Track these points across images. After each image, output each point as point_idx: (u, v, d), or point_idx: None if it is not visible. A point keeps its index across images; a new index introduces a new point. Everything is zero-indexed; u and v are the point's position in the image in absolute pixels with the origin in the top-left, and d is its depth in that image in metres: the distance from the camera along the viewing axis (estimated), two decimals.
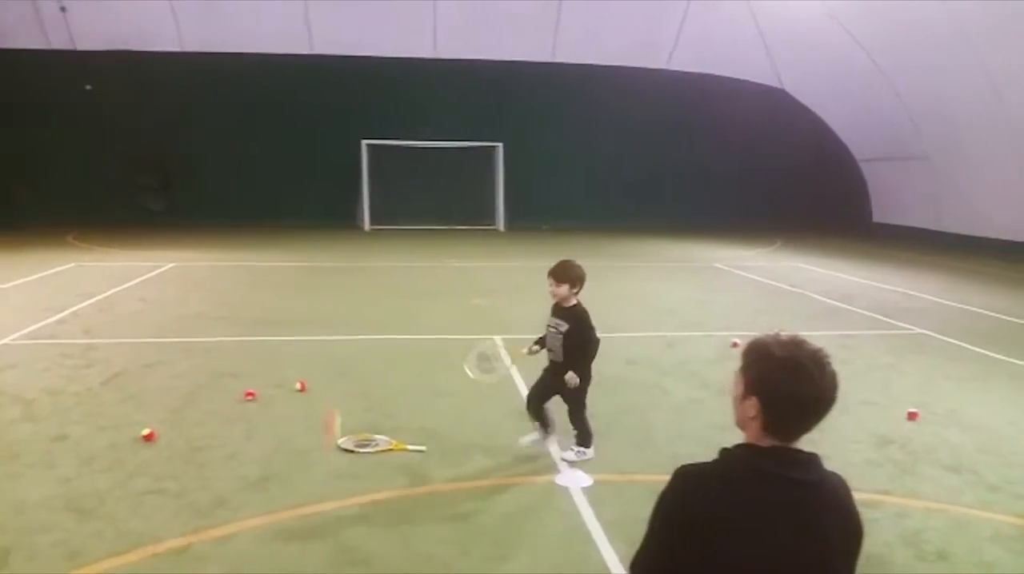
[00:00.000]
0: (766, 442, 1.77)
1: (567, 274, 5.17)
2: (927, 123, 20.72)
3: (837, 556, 1.74)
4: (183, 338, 8.87)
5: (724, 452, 1.80)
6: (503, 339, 9.00)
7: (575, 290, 5.19)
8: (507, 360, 5.83)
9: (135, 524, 4.34)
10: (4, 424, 5.93)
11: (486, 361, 5.93)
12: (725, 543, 1.69)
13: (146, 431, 5.62)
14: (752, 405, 1.76)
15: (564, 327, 5.17)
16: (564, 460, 5.31)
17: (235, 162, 23.29)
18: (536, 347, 5.40)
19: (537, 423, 5.49)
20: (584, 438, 5.40)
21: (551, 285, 5.21)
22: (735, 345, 8.86)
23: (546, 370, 5.40)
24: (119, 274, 13.41)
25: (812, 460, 1.77)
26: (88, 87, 22.54)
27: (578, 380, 5.18)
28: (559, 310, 5.26)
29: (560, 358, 5.23)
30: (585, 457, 5.34)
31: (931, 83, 19.60)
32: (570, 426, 5.45)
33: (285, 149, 23.43)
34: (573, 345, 5.17)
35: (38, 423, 5.98)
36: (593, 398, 6.84)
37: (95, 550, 4.04)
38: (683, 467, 1.81)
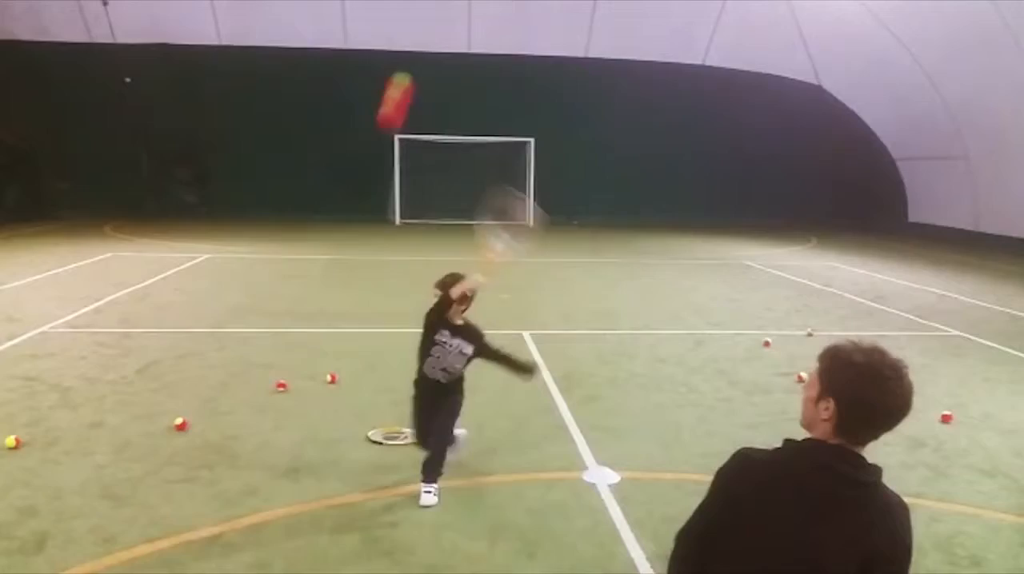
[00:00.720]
0: (833, 441, 1.81)
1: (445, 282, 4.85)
2: (967, 122, 20.34)
3: (879, 562, 1.75)
4: (216, 329, 9.00)
5: (788, 442, 1.86)
6: (531, 334, 9.04)
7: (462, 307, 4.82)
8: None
9: (168, 511, 4.42)
10: (42, 411, 6.06)
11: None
12: (772, 528, 1.76)
13: (179, 420, 5.71)
14: (827, 407, 1.80)
15: (469, 349, 4.75)
16: (422, 505, 4.54)
17: (269, 155, 23.53)
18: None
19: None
20: (438, 466, 4.67)
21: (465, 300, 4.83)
22: (767, 344, 8.78)
23: (422, 396, 4.83)
24: (155, 265, 13.63)
25: (873, 468, 1.81)
26: (128, 80, 22.90)
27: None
28: (457, 329, 4.80)
29: (454, 379, 4.79)
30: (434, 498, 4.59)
31: (972, 82, 19.24)
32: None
33: (319, 143, 23.61)
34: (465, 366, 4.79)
35: (75, 410, 6.10)
36: (622, 395, 6.86)
37: (129, 536, 4.12)
38: (745, 448, 1.90)
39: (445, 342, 4.72)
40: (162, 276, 12.53)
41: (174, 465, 5.06)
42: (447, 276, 4.87)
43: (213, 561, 3.91)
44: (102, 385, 6.75)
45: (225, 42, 22.84)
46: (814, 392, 1.85)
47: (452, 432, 4.88)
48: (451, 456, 4.87)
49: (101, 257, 14.59)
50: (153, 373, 7.16)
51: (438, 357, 4.72)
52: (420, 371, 4.80)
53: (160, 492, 4.67)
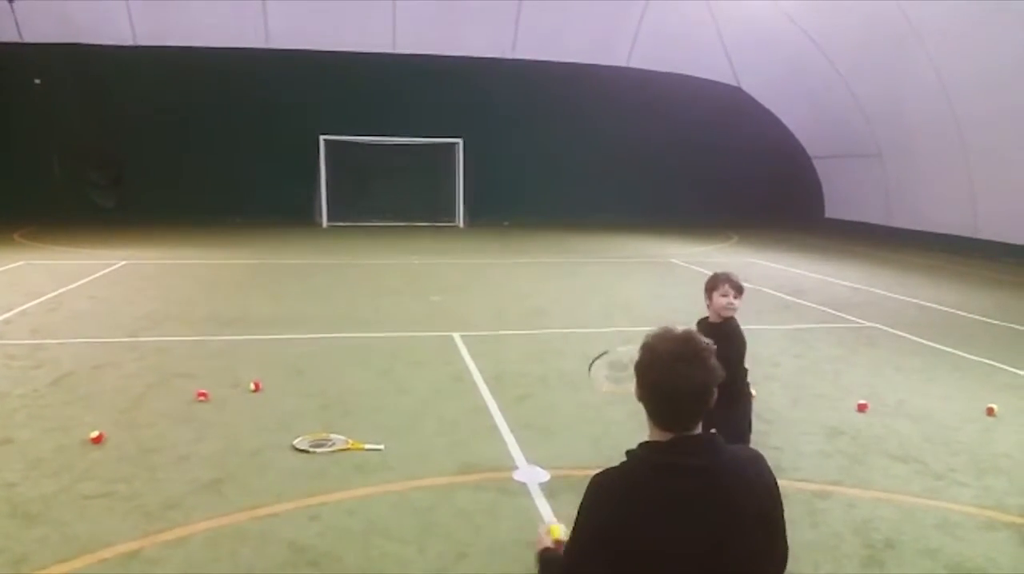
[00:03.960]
0: (664, 436, 1.84)
1: (740, 284, 4.48)
2: (880, 122, 21.18)
3: (754, 523, 1.81)
4: (134, 338, 8.69)
5: (628, 453, 1.88)
6: (461, 335, 9.02)
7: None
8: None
9: (83, 529, 4.25)
10: None
11: (622, 370, 5.30)
12: (638, 539, 1.76)
13: (95, 433, 5.49)
14: (644, 404, 1.87)
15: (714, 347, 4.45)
16: None
17: (189, 158, 22.89)
18: None
19: None
20: None
21: (736, 298, 4.44)
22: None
23: None
24: (68, 273, 13.09)
25: (711, 441, 1.83)
26: (37, 81, 21.95)
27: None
28: (706, 325, 4.47)
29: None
30: None
31: (883, 82, 20.04)
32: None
33: (241, 145, 23.05)
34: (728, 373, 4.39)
35: None
36: (552, 394, 6.91)
37: (41, 557, 3.94)
38: (596, 476, 1.90)
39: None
40: (76, 284, 12.04)
41: (90, 480, 4.87)
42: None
43: None
44: (12, 399, 6.44)
45: (141, 42, 22.09)
46: (636, 391, 1.90)
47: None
48: None
49: (10, 266, 13.93)
50: (67, 385, 6.87)
51: None
52: None
53: (75, 509, 4.48)
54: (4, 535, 4.15)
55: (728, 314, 4.40)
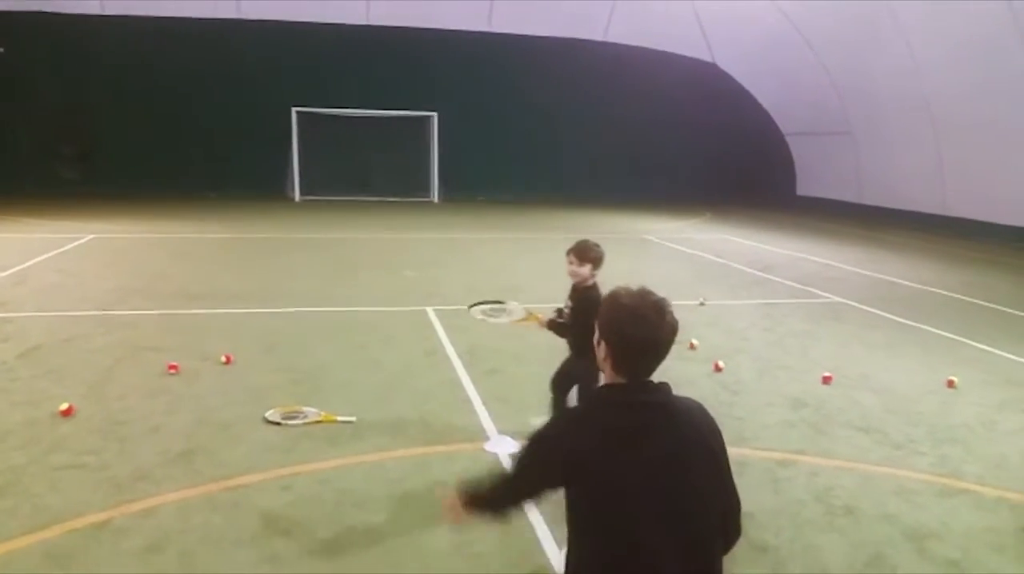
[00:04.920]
0: (619, 380, 2.00)
1: (589, 254, 4.76)
2: (852, 100, 21.34)
3: (706, 459, 1.96)
4: (103, 311, 8.61)
5: (586, 396, 2.05)
6: (435, 310, 9.04)
7: (595, 271, 4.78)
8: (517, 315, 5.31)
9: (53, 500, 4.25)
10: None
11: (499, 313, 5.46)
12: (597, 474, 1.91)
13: (64, 406, 5.46)
14: (603, 348, 2.00)
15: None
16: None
17: (158, 130, 22.53)
18: (558, 319, 4.94)
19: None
20: None
21: (571, 263, 4.78)
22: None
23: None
24: (35, 246, 12.90)
25: (660, 387, 1.99)
26: (1, 50, 21.42)
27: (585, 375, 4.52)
28: (574, 291, 4.86)
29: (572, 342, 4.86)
30: None
31: (855, 60, 20.19)
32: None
33: (211, 117, 22.73)
34: (579, 331, 4.69)
35: None
36: (524, 368, 6.97)
37: (9, 527, 3.94)
38: (562, 411, 2.08)
39: (564, 306, 4.92)
40: (43, 257, 11.87)
41: (59, 452, 4.85)
42: (580, 243, 4.86)
43: (102, 547, 3.79)
44: None
45: (109, 12, 21.62)
46: (596, 336, 2.04)
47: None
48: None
49: None
50: (35, 358, 6.82)
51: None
52: None
53: (45, 480, 4.47)
54: None
55: (573, 279, 4.82)
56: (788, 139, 25.47)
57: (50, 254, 12.22)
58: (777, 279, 11.84)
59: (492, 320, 5.39)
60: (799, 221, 20.68)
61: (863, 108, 21.10)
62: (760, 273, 12.32)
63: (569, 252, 4.82)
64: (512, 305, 5.43)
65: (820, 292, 10.90)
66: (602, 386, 2.05)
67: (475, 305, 5.38)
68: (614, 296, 2.03)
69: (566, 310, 4.90)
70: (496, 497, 2.21)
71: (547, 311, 5.11)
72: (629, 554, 1.88)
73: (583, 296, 4.73)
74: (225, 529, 3.99)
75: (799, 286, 11.32)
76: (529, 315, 5.21)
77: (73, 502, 4.22)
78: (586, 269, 4.76)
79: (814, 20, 20.45)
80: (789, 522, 4.21)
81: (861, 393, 6.50)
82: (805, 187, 25.18)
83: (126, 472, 4.60)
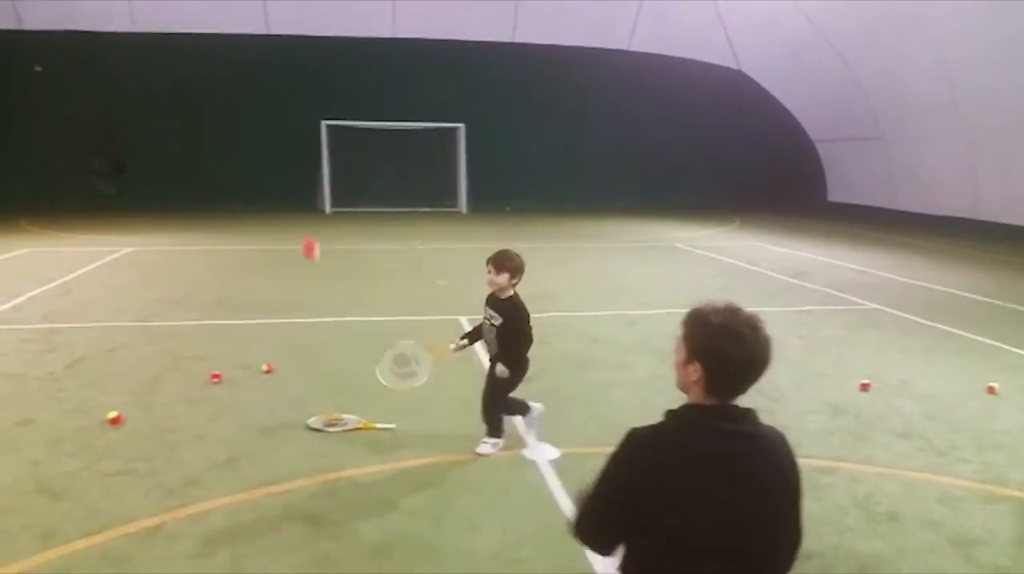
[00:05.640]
0: (708, 401, 1.91)
1: (506, 263, 4.89)
2: (882, 105, 21.18)
3: (782, 497, 1.90)
4: (145, 322, 8.80)
5: (670, 413, 1.95)
6: (468, 319, 9.11)
7: (514, 281, 4.94)
8: (427, 363, 5.30)
9: (106, 504, 4.36)
10: None
11: (405, 364, 5.39)
12: (671, 496, 1.83)
13: (113, 414, 5.61)
14: (695, 370, 1.90)
15: (498, 321, 4.95)
16: (478, 453, 5.10)
17: (190, 145, 22.93)
18: (464, 342, 5.16)
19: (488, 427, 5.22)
20: (494, 429, 5.21)
21: (490, 273, 4.92)
22: None
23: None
24: (76, 259, 13.19)
25: (748, 414, 1.91)
26: (38, 68, 21.96)
27: (507, 373, 4.97)
28: (495, 301, 5.01)
29: (495, 351, 5.04)
30: (498, 447, 5.15)
31: (885, 65, 20.02)
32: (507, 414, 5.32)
33: (242, 131, 23.10)
34: (506, 339, 4.95)
35: (2, 408, 5.92)
36: (560, 376, 7.01)
37: (68, 531, 4.06)
38: (633, 430, 1.96)
39: (485, 316, 5.08)
40: (84, 270, 12.14)
41: (111, 458, 4.98)
42: (499, 252, 5.05)
43: (156, 550, 3.89)
44: (29, 382, 6.56)
45: (140, 28, 22.06)
46: (682, 357, 1.95)
47: (499, 400, 5.15)
48: (525, 428, 5.37)
49: (17, 252, 14.03)
50: (82, 368, 6.98)
51: (484, 330, 5.09)
52: None
53: (98, 486, 4.59)
54: (32, 510, 4.27)
55: (492, 288, 4.98)
56: (818, 145, 25.30)
57: (90, 267, 12.49)
58: (810, 285, 11.78)
59: (411, 382, 5.28)
60: (830, 227, 20.53)
61: (894, 112, 20.92)
62: (792, 279, 12.26)
63: (488, 261, 4.92)
64: (414, 357, 5.29)
65: (854, 298, 10.82)
66: (689, 406, 1.95)
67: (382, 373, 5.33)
68: (702, 314, 1.92)
69: (491, 322, 4.98)
70: (582, 521, 2.03)
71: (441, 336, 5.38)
72: None
73: (506, 306, 4.91)
74: (273, 533, 4.08)
75: (833, 292, 11.25)
76: (432, 349, 5.32)
77: (126, 507, 4.33)
78: (504, 278, 4.88)
79: (840, 24, 20.33)
80: (832, 529, 4.21)
81: (901, 400, 6.46)
82: (836, 193, 24.99)
83: (175, 478, 4.71)
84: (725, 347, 1.85)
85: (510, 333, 4.94)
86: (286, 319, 9.12)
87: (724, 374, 1.87)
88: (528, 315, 5.04)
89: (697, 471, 1.83)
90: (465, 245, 16.52)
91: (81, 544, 3.93)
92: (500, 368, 4.98)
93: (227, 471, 4.84)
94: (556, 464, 5.01)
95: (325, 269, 12.90)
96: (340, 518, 4.25)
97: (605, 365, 7.39)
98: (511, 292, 4.98)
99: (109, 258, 13.47)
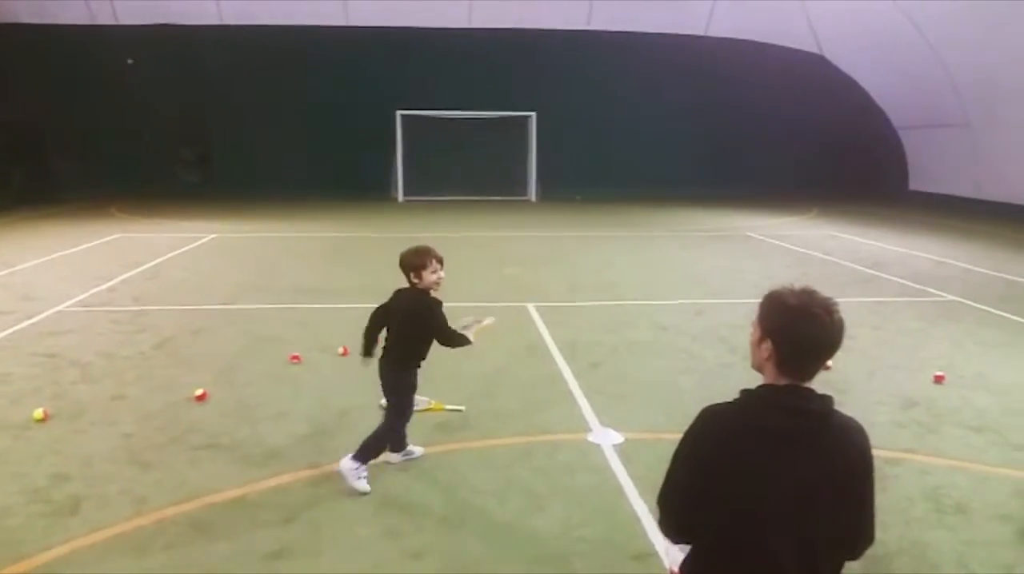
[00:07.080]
0: (782, 381, 1.96)
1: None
2: (969, 91, 20.35)
3: (850, 482, 1.93)
4: (227, 306, 9.22)
5: (745, 392, 2.00)
6: (536, 306, 9.24)
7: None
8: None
9: (194, 475, 4.65)
10: (65, 385, 6.29)
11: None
12: (740, 469, 1.89)
13: (199, 391, 5.94)
14: (767, 347, 1.96)
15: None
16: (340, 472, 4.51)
17: (271, 134, 23.63)
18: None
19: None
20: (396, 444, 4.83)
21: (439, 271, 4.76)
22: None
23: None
24: (163, 245, 13.83)
25: (824, 398, 1.95)
26: (130, 61, 22.99)
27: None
28: (406, 298, 4.98)
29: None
30: (364, 473, 4.49)
31: (973, 50, 19.21)
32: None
33: (319, 120, 23.70)
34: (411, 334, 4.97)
35: (97, 384, 6.33)
36: (625, 362, 7.07)
37: (158, 498, 4.35)
38: (708, 407, 2.03)
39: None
40: (170, 255, 12.73)
41: (196, 432, 5.29)
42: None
43: (241, 519, 4.14)
44: (120, 360, 6.98)
45: (227, 21, 22.87)
46: (756, 336, 2.01)
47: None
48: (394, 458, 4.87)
49: (110, 238, 14.79)
50: (169, 348, 7.38)
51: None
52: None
53: (185, 458, 4.90)
54: (126, 479, 4.59)
55: (439, 286, 4.75)
56: (900, 133, 24.47)
57: (176, 252, 13.09)
58: (887, 276, 11.49)
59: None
60: (911, 217, 19.89)
61: (981, 100, 20.07)
62: (869, 270, 11.98)
63: (432, 261, 4.75)
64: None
65: (932, 290, 10.53)
66: (764, 385, 1.99)
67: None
68: (778, 295, 1.98)
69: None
70: (661, 501, 2.05)
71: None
72: (753, 558, 1.90)
73: (429, 302, 4.74)
74: (348, 505, 4.29)
75: (910, 284, 10.96)
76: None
77: (212, 478, 4.61)
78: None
79: (926, 7, 19.60)
80: (898, 518, 4.19)
81: (976, 393, 6.31)
82: (918, 182, 24.15)
83: (257, 452, 4.98)
84: (798, 325, 1.91)
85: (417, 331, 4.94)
86: (360, 304, 9.37)
87: (794, 352, 1.92)
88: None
89: (766, 446, 1.88)
90: (534, 233, 16.65)
91: (170, 511, 4.21)
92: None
93: (306, 446, 5.09)
94: (620, 449, 5.10)
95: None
96: (410, 494, 4.44)
97: (672, 353, 7.41)
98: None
99: (195, 244, 14.08)
